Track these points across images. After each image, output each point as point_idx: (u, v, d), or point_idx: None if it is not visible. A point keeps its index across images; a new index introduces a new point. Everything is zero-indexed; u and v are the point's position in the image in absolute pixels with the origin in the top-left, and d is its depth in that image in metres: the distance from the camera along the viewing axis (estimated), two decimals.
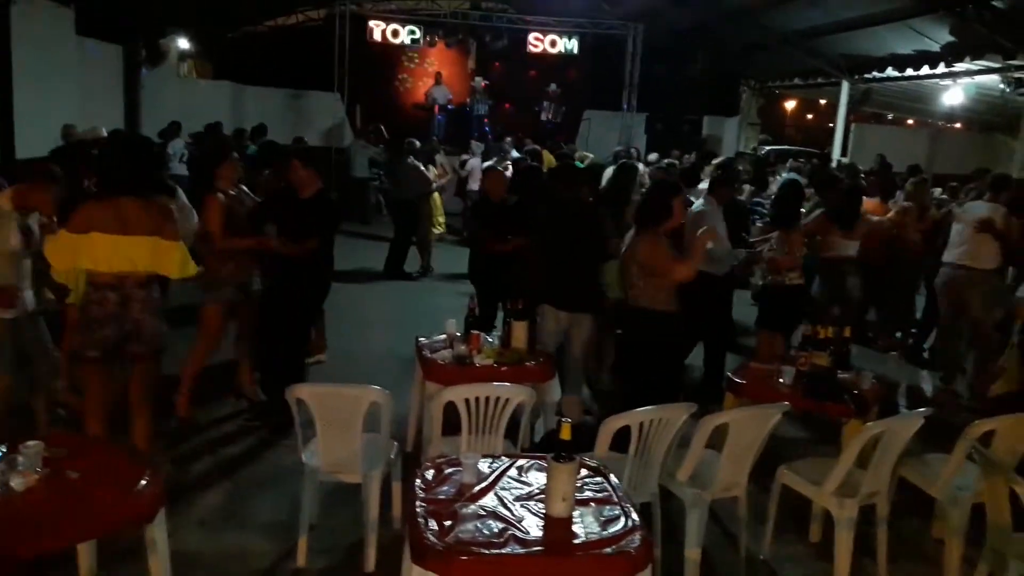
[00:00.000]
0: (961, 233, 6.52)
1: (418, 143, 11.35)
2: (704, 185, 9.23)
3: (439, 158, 12.88)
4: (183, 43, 16.53)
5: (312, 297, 5.42)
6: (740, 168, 11.05)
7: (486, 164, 9.26)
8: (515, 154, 12.25)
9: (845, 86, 17.38)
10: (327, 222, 5.23)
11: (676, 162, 11.26)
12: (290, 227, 5.00)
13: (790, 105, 32.00)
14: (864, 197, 6.85)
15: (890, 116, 23.25)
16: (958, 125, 22.10)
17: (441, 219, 12.00)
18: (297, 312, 5.29)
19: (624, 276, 4.62)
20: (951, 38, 12.71)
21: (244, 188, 5.37)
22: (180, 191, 5.80)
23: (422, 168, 10.71)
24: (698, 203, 5.98)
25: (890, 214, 7.39)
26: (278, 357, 5.24)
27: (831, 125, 20.88)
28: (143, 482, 2.69)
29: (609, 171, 8.06)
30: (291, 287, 5.15)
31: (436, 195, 11.37)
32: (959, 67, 14.00)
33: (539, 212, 5.50)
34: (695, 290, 5.12)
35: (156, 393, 4.06)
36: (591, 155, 12.27)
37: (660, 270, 4.45)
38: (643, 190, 6.81)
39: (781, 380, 4.26)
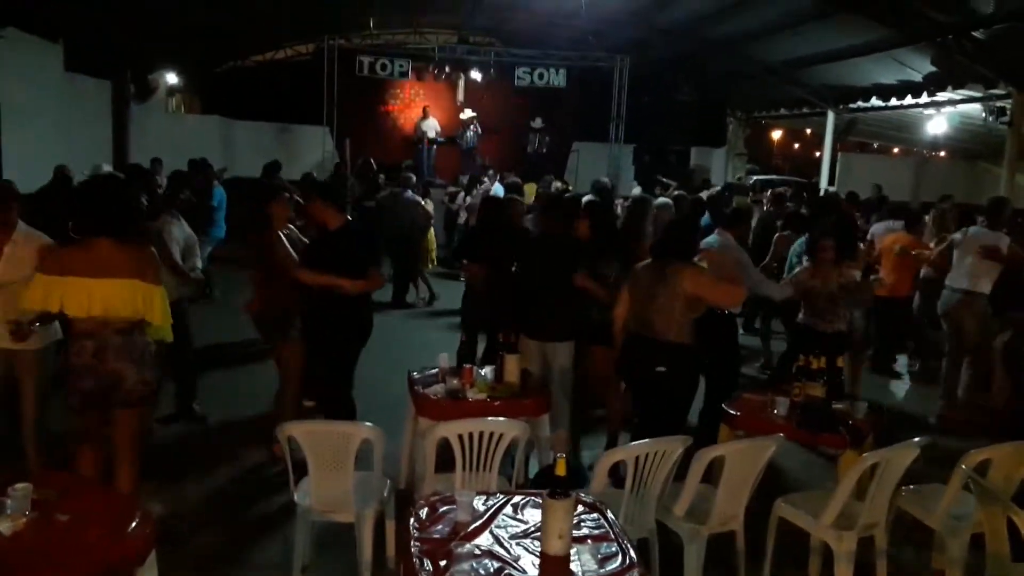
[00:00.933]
0: (962, 258, 6.61)
1: (414, 176, 11.40)
2: None
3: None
4: (171, 78, 16.61)
5: (361, 330, 5.18)
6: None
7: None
8: (498, 187, 12.29)
9: (831, 116, 17.63)
10: (373, 252, 5.14)
11: (684, 193, 11.38)
12: (331, 263, 4.77)
13: (776, 135, 32.39)
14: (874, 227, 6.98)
15: (876, 145, 23.59)
16: (942, 153, 22.42)
17: (434, 254, 11.97)
18: (347, 348, 5.09)
19: (652, 312, 4.39)
20: (933, 68, 12.95)
21: (292, 227, 5.29)
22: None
23: (421, 202, 10.74)
24: (713, 237, 5.78)
25: (935, 246, 7.45)
26: (337, 392, 5.01)
27: (817, 154, 21.13)
28: (133, 524, 2.65)
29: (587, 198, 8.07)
30: (341, 324, 4.95)
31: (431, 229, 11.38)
32: (942, 96, 14.25)
33: (514, 244, 5.53)
34: (712, 329, 5.20)
35: (145, 439, 3.97)
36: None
37: (716, 300, 4.48)
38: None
39: (775, 411, 4.24)
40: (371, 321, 5.05)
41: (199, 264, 5.60)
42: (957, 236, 6.88)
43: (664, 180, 14.94)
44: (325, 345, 4.92)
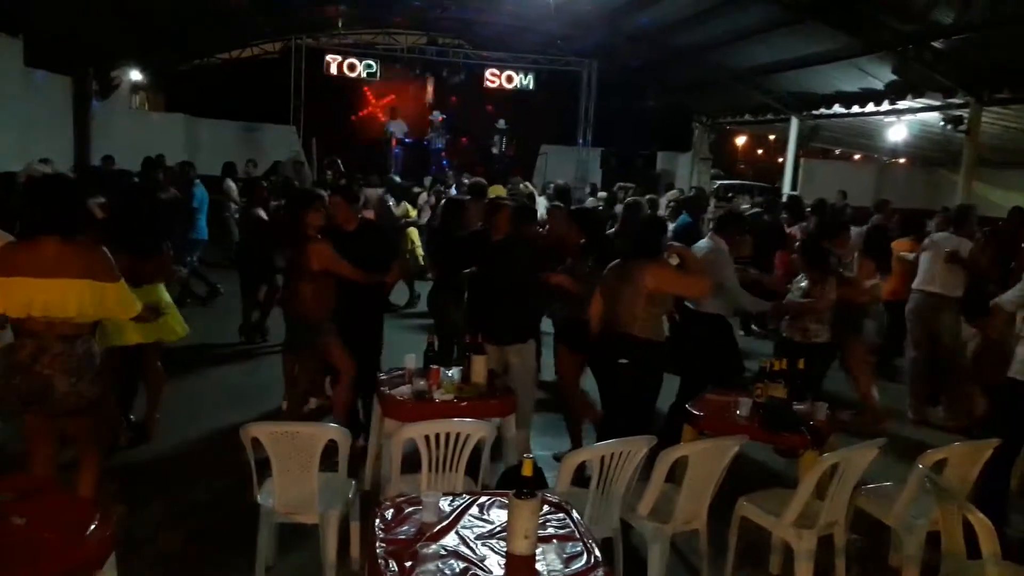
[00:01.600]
0: (929, 262, 6.78)
1: (398, 178, 11.37)
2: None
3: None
4: (135, 75, 16.35)
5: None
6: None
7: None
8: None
9: (794, 122, 17.87)
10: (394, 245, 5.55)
11: (655, 196, 11.60)
12: (361, 260, 5.03)
13: (741, 141, 32.78)
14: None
15: (838, 152, 23.94)
16: (903, 160, 22.84)
17: (419, 250, 11.76)
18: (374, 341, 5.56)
19: (618, 308, 4.55)
20: (894, 77, 13.19)
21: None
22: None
23: (390, 204, 10.66)
24: (704, 242, 5.86)
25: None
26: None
27: (781, 160, 21.41)
28: (92, 527, 2.61)
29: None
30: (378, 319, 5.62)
31: (412, 229, 11.24)
32: (902, 104, 14.50)
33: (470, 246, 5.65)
34: (705, 333, 5.61)
35: (104, 444, 3.92)
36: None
37: (681, 292, 4.63)
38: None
39: (738, 412, 4.30)
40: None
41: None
42: (925, 241, 7.04)
43: (624, 185, 15.11)
44: (367, 340, 5.30)
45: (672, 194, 13.42)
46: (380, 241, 5.63)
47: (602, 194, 14.37)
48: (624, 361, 4.52)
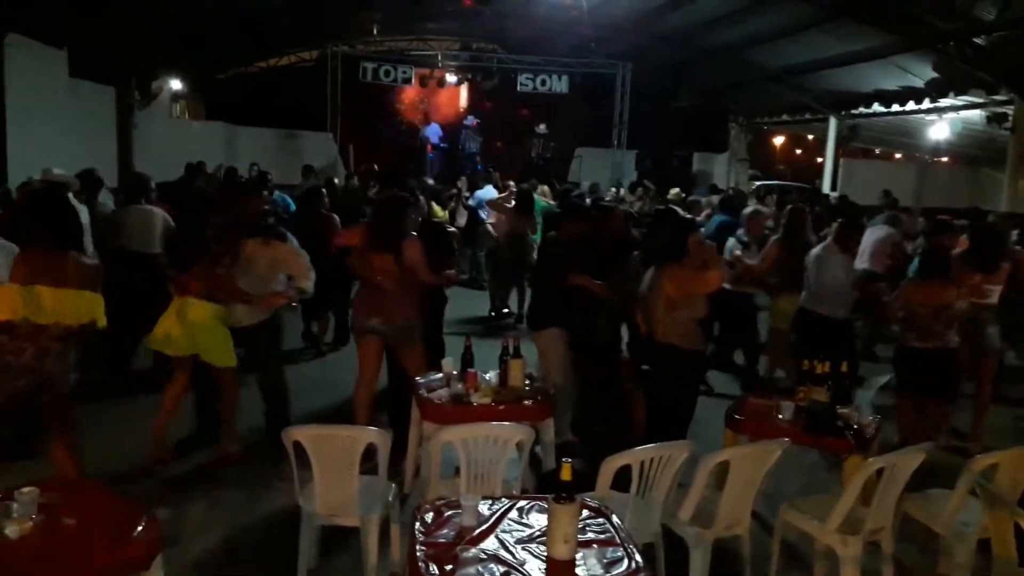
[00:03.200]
0: None
1: (431, 181, 11.45)
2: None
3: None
4: (175, 84, 16.65)
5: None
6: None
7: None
8: (489, 189, 12.20)
9: (832, 121, 17.64)
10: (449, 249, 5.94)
11: (700, 200, 11.55)
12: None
13: (779, 141, 32.40)
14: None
15: (878, 151, 23.57)
16: (945, 159, 22.39)
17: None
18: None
19: (648, 313, 4.58)
20: (935, 74, 12.96)
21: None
22: (291, 237, 5.63)
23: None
24: (819, 247, 6.14)
25: None
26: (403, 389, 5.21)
27: (820, 160, 21.13)
28: (139, 528, 2.65)
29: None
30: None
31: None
32: (944, 103, 14.24)
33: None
34: (814, 332, 5.87)
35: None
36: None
37: (694, 291, 4.45)
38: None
39: (780, 416, 4.23)
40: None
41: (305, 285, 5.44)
42: None
43: (646, 184, 15.02)
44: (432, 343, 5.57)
45: (674, 192, 13.40)
46: (441, 241, 5.79)
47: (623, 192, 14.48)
48: (646, 367, 4.54)
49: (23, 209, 4.05)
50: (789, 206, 7.35)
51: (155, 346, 4.91)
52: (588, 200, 9.63)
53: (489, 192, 11.79)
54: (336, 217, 7.63)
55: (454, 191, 13.09)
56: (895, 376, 5.75)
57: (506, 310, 9.84)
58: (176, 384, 4.98)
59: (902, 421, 5.45)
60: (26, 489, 2.63)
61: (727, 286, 5.97)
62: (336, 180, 13.30)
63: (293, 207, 9.56)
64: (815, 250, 6.16)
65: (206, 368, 4.94)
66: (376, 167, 14.38)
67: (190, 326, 4.76)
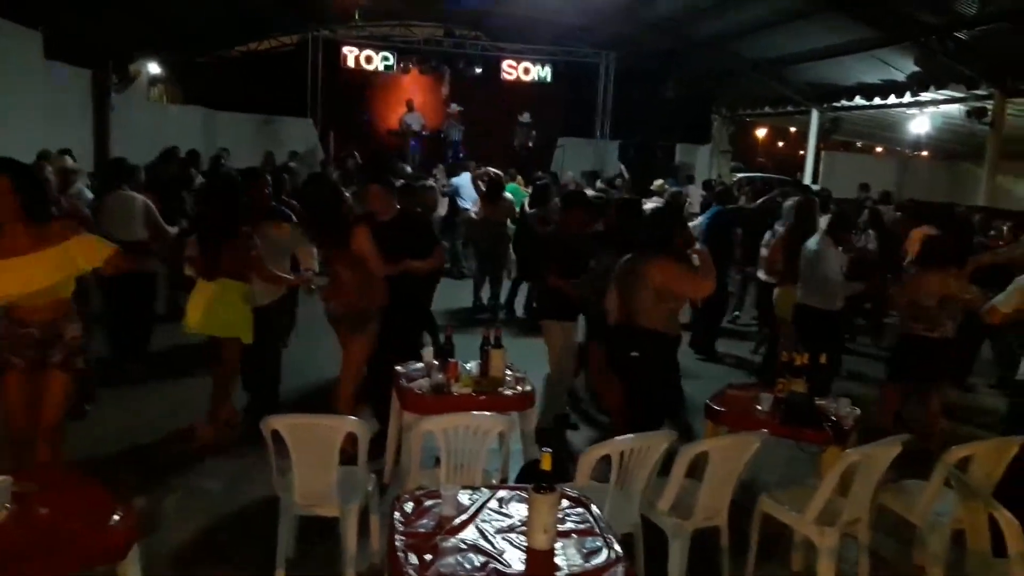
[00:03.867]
0: None
1: (409, 168, 11.36)
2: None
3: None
4: (153, 67, 16.42)
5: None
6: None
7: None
8: (466, 176, 12.10)
9: (815, 114, 17.72)
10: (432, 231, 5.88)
11: (682, 190, 11.63)
12: (404, 248, 5.17)
13: (761, 133, 32.53)
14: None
15: (859, 144, 23.73)
16: (925, 153, 22.58)
17: None
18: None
19: (627, 300, 4.62)
20: (916, 68, 13.04)
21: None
22: (295, 219, 5.68)
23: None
24: (813, 239, 6.18)
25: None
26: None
27: (801, 153, 21.22)
28: (116, 517, 2.62)
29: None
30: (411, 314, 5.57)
31: None
32: (925, 96, 14.34)
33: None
34: (809, 325, 5.91)
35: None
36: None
37: (683, 291, 4.58)
38: None
39: (759, 407, 4.26)
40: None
41: (314, 267, 5.54)
42: None
43: (624, 174, 15.04)
44: (396, 336, 5.17)
45: (658, 184, 13.47)
46: (420, 230, 5.57)
47: (600, 185, 14.45)
48: (635, 354, 4.55)
49: None
50: (797, 198, 7.43)
51: (194, 329, 4.91)
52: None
53: (465, 180, 11.70)
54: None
55: (430, 181, 13.00)
56: (891, 365, 5.88)
57: (480, 303, 9.74)
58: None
59: (886, 409, 5.54)
60: (0, 477, 2.59)
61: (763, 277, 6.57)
62: (292, 164, 13.22)
63: None
64: (809, 244, 6.19)
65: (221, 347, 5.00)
66: (357, 154, 14.30)
67: (223, 305, 4.81)
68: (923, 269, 5.48)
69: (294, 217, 5.71)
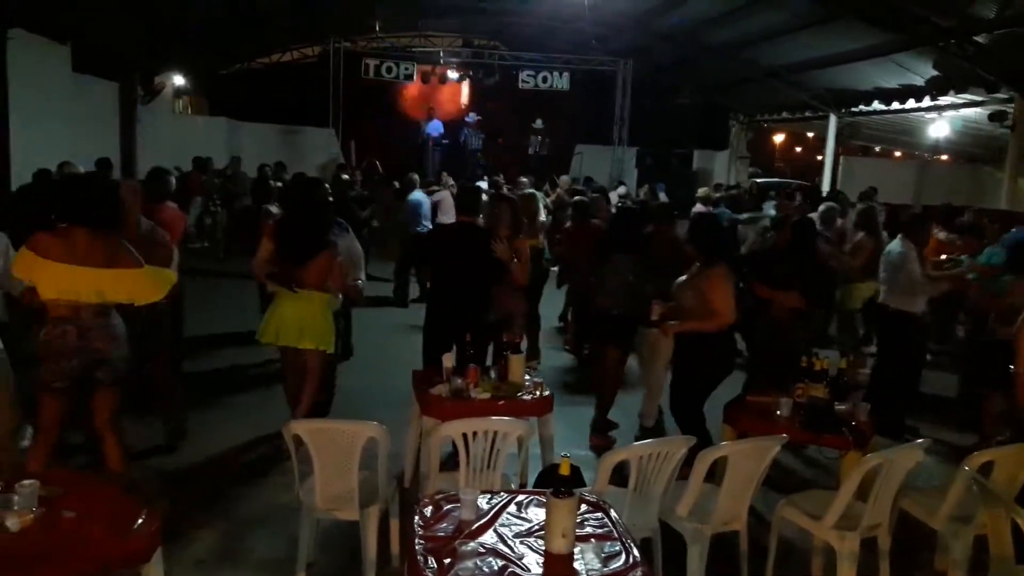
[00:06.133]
0: None
1: (417, 177, 11.34)
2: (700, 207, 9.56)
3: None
4: (178, 80, 16.66)
5: None
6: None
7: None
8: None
9: (832, 119, 17.62)
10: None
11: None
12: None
13: (779, 138, 32.35)
14: None
15: (877, 149, 23.54)
16: (945, 157, 22.36)
17: None
18: None
19: (683, 304, 4.86)
20: (935, 72, 12.93)
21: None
22: (351, 231, 5.75)
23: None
24: (895, 243, 6.22)
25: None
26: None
27: (819, 158, 21.10)
28: (140, 521, 2.67)
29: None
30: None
31: None
32: (943, 100, 14.21)
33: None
34: (892, 327, 6.10)
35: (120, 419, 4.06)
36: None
37: (713, 307, 4.70)
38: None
39: (778, 412, 4.25)
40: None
41: (363, 277, 5.67)
42: None
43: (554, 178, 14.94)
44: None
45: (621, 190, 13.60)
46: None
47: (622, 189, 14.55)
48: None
49: (63, 191, 4.12)
50: (861, 205, 8.28)
51: (267, 340, 4.96)
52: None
53: (444, 195, 10.90)
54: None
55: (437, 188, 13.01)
56: (978, 371, 5.91)
57: None
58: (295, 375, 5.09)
59: (992, 417, 5.52)
60: (27, 481, 2.66)
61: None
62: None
63: None
64: (893, 247, 6.22)
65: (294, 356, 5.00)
66: (377, 163, 14.40)
67: (303, 318, 4.84)
68: (1019, 276, 5.48)
69: (350, 229, 5.77)
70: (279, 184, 10.21)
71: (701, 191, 13.39)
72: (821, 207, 8.76)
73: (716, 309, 4.68)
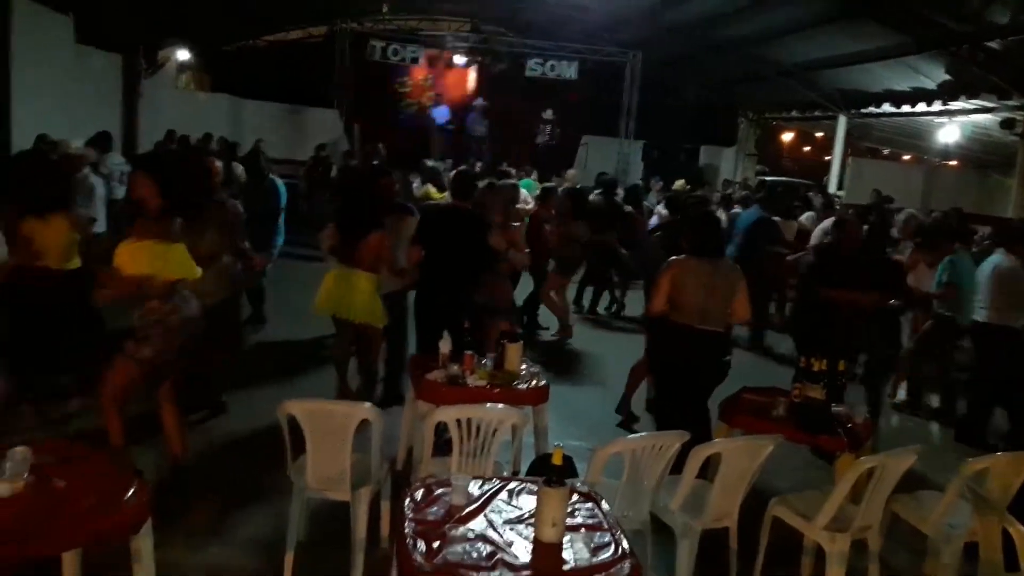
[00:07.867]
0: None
1: (431, 162, 11.35)
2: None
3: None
4: (182, 54, 16.58)
5: None
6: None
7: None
8: None
9: (842, 120, 17.56)
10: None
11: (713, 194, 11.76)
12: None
13: (787, 137, 32.23)
14: None
15: (886, 151, 23.46)
16: (954, 163, 22.27)
17: None
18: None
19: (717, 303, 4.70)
20: (947, 77, 12.88)
21: None
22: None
23: (414, 184, 10.74)
24: (998, 257, 6.07)
25: None
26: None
27: (827, 158, 21.02)
28: (130, 492, 2.66)
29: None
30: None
31: None
32: (954, 105, 14.16)
33: None
34: (994, 343, 5.94)
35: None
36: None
37: (735, 304, 4.68)
38: None
39: (774, 411, 4.24)
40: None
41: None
42: None
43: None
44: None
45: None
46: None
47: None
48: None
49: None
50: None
51: (323, 311, 5.15)
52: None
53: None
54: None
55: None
56: None
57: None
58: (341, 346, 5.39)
59: None
60: (18, 448, 2.64)
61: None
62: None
63: (283, 194, 7.75)
64: (998, 261, 6.02)
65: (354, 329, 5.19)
66: (382, 147, 14.34)
67: (357, 295, 5.01)
68: None
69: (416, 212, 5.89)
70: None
71: (677, 184, 13.29)
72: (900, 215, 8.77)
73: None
